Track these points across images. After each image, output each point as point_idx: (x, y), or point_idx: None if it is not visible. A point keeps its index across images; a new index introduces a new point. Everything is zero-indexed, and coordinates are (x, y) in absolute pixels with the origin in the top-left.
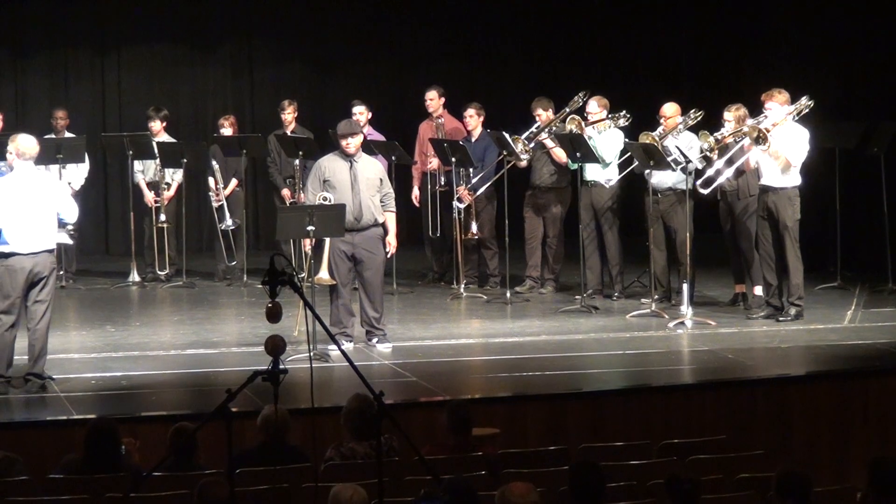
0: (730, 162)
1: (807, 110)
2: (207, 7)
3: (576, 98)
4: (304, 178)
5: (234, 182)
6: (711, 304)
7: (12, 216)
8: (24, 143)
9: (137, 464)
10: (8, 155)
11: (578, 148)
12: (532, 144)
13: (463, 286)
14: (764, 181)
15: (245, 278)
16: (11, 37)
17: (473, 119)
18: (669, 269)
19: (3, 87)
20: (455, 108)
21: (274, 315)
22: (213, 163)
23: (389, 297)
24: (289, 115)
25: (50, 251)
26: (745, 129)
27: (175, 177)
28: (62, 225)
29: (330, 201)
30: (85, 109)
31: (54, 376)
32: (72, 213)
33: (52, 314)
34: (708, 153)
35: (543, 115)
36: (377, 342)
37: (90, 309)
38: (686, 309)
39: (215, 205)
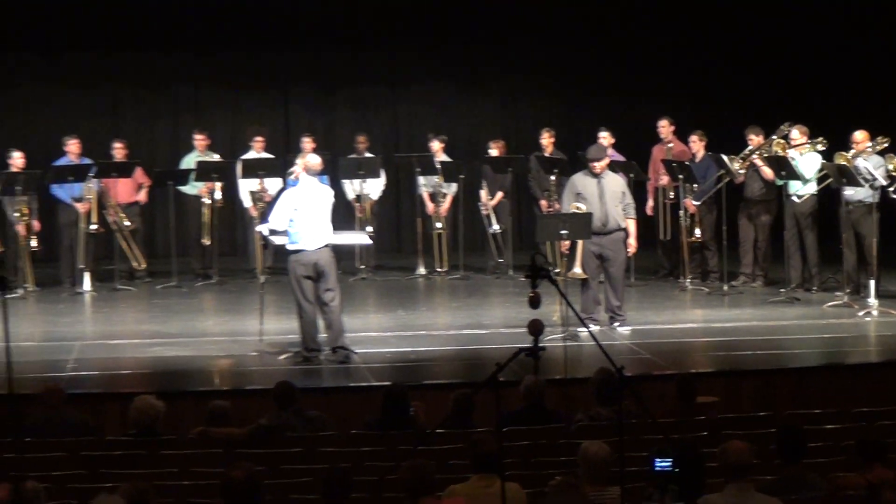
0: None
1: None
2: (480, 51)
3: (781, 127)
4: (559, 192)
5: (500, 194)
6: (894, 297)
7: (300, 219)
8: (312, 161)
9: (423, 422)
10: (296, 168)
11: (783, 167)
12: (745, 164)
13: (688, 280)
14: None
15: (511, 272)
16: (319, 79)
17: (697, 144)
18: (859, 267)
19: (316, 116)
20: (682, 134)
21: (535, 302)
22: (483, 178)
23: (629, 288)
24: (546, 140)
25: (328, 247)
26: None
27: (450, 189)
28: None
29: (583, 210)
30: (381, 134)
31: (356, 350)
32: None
33: (342, 297)
34: (893, 173)
35: (755, 139)
36: (618, 325)
37: (385, 296)
38: (872, 300)
39: (484, 212)
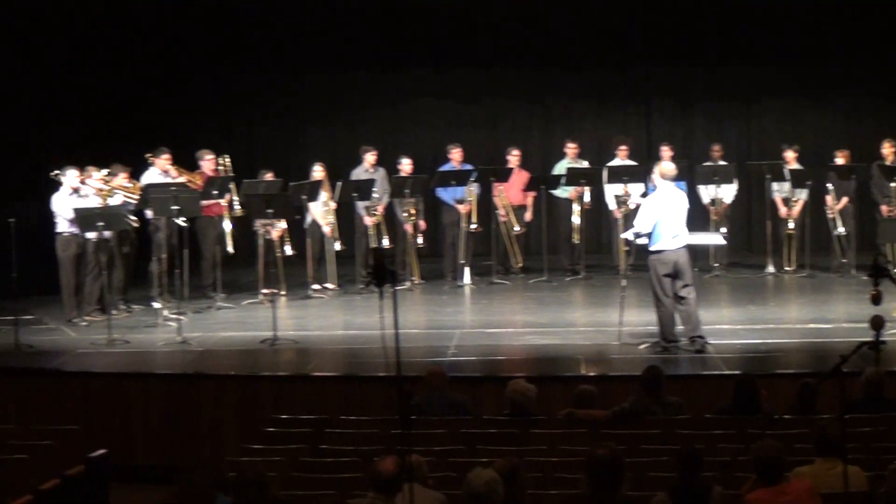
0: None
1: None
2: (823, 69)
3: None
4: None
5: (844, 199)
6: None
7: (661, 222)
8: (666, 168)
9: (767, 408)
10: (653, 175)
11: None
12: None
13: None
14: None
15: (853, 272)
16: (679, 93)
17: None
18: None
19: (675, 127)
20: None
21: (877, 299)
22: (828, 185)
23: None
24: (887, 149)
25: (685, 247)
26: None
27: (801, 195)
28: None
29: None
30: (734, 144)
31: (710, 341)
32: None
33: (697, 292)
34: None
35: None
36: None
37: (737, 292)
38: None
39: (830, 216)
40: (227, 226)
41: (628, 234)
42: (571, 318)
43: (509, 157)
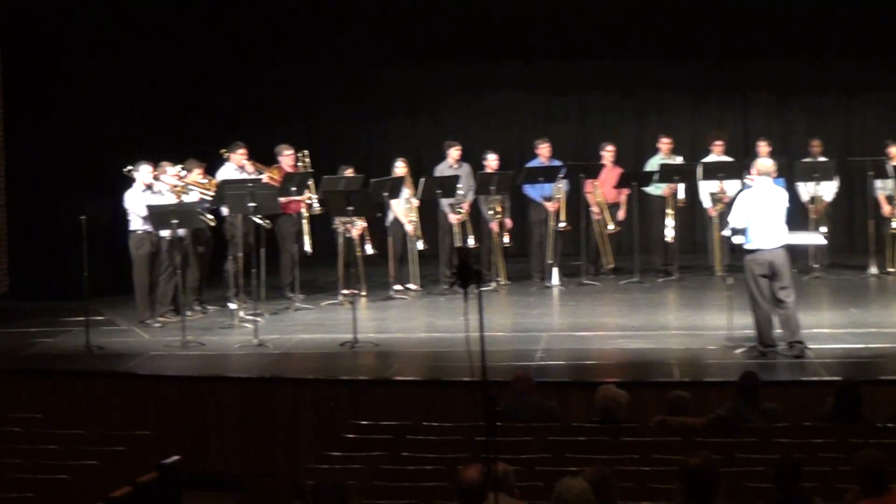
0: None
1: None
2: None
3: None
4: None
5: None
6: None
7: (757, 220)
8: (763, 164)
9: (870, 416)
10: (751, 171)
11: None
12: None
13: None
14: None
15: None
16: (777, 86)
17: None
18: None
19: (772, 122)
20: None
21: None
22: None
23: None
24: None
25: (783, 247)
26: None
27: None
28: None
29: None
30: (834, 139)
31: (809, 346)
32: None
33: (796, 295)
34: None
35: None
36: None
37: (838, 294)
38: None
39: None
40: (306, 224)
41: (726, 232)
42: (664, 320)
43: (603, 153)
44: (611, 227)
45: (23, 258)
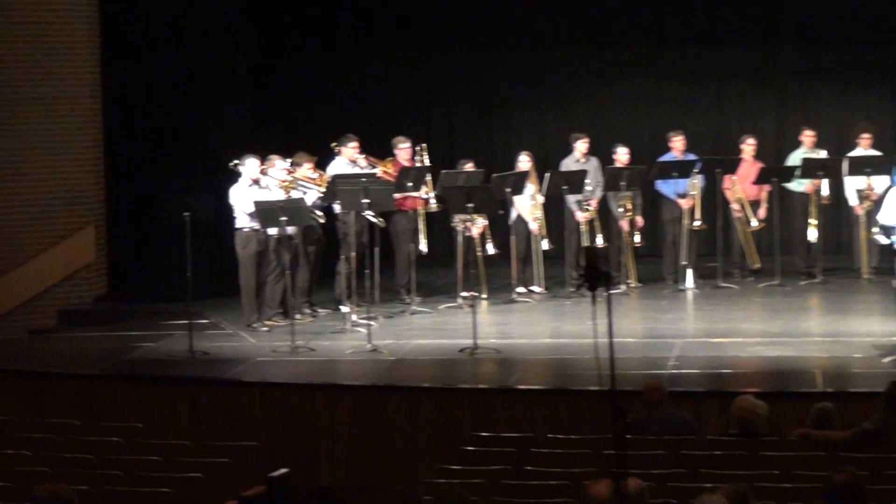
0: None
1: None
2: None
3: None
4: None
5: None
6: None
7: None
8: None
9: None
10: None
11: None
12: None
13: None
14: None
15: None
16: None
17: None
18: None
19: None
20: None
21: None
22: None
23: None
24: None
25: None
26: None
27: None
28: None
29: None
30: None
31: None
32: None
33: None
34: None
35: None
36: None
37: None
38: None
39: None
40: (423, 222)
41: (875, 231)
42: (806, 326)
43: (743, 146)
44: (754, 223)
45: (122, 257)
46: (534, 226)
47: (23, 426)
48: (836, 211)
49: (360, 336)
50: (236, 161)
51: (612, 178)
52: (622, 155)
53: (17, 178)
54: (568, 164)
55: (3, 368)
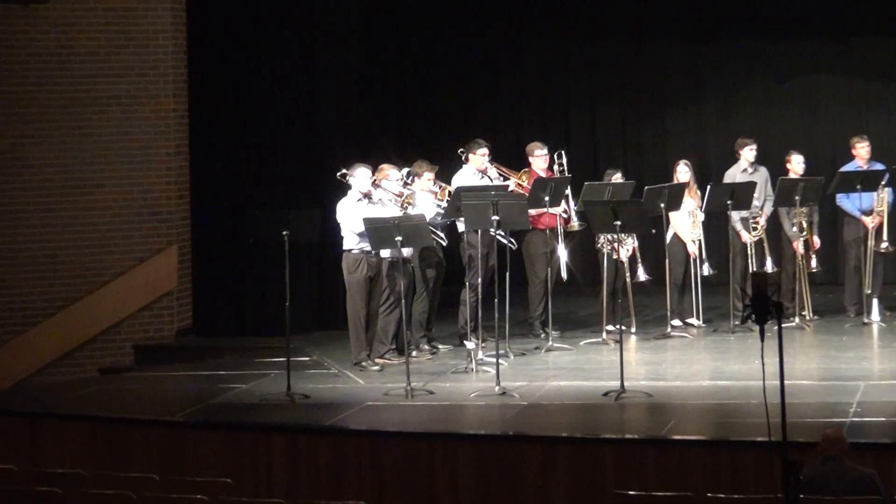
0: None
1: None
2: None
3: None
4: None
5: None
6: None
7: None
8: None
9: None
10: None
11: None
12: None
13: None
14: None
15: None
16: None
17: None
18: None
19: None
20: None
21: None
22: None
23: None
24: None
25: None
26: None
27: None
28: None
29: None
30: None
31: None
32: None
33: None
34: None
35: None
36: None
37: None
38: None
39: None
40: (562, 243)
41: None
42: None
43: None
44: None
45: (210, 284)
46: (692, 247)
47: (94, 481)
48: None
49: (486, 377)
50: (344, 171)
51: (785, 192)
52: (797, 164)
53: (88, 191)
54: (733, 175)
55: (71, 414)
